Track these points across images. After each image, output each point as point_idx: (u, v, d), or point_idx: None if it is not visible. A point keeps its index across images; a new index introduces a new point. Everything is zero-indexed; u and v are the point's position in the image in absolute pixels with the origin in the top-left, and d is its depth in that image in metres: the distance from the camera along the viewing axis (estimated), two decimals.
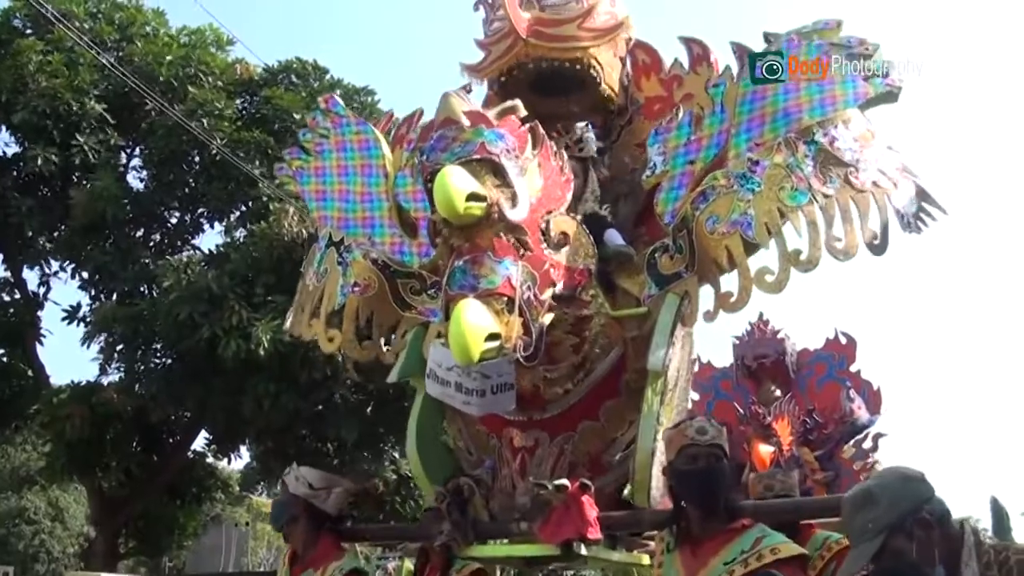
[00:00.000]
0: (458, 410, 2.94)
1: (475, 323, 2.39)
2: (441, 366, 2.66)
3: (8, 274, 11.34)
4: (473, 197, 2.49)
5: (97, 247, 10.78)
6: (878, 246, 2.80)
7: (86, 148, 10.60)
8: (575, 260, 2.86)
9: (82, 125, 10.70)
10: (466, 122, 2.68)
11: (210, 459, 12.54)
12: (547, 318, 2.72)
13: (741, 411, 6.41)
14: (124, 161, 11.69)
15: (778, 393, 6.58)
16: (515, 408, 2.84)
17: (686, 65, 3.44)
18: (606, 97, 3.51)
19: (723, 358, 7.25)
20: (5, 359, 11.24)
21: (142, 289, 10.83)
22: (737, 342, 6.94)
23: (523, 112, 2.87)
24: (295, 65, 11.93)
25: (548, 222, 2.79)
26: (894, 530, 1.82)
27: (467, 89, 3.66)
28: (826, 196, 2.83)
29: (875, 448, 6.15)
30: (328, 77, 11.93)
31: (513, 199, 2.62)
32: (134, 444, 10.97)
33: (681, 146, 3.06)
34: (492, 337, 2.43)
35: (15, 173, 10.84)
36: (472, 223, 2.55)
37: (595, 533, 2.62)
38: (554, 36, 3.32)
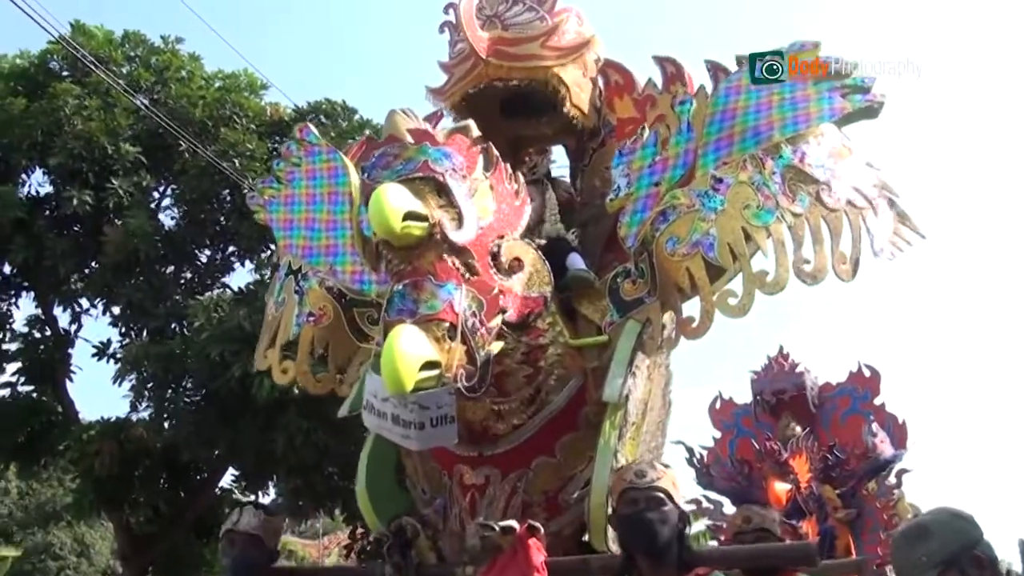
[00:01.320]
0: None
1: (408, 350, 2.24)
2: (377, 397, 2.49)
3: (39, 311, 11.52)
4: (411, 216, 2.36)
5: (129, 284, 10.90)
6: (849, 270, 2.60)
7: (121, 190, 10.78)
8: (529, 287, 2.69)
9: (116, 168, 10.91)
10: (410, 140, 2.57)
11: (237, 496, 12.48)
12: (495, 346, 2.56)
13: (759, 448, 6.13)
14: (157, 200, 11.87)
15: (799, 429, 6.29)
16: (465, 443, 2.69)
17: (660, 85, 3.31)
18: (575, 118, 3.37)
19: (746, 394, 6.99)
20: (35, 395, 11.36)
21: (173, 326, 10.90)
22: (755, 377, 6.69)
23: (476, 132, 2.74)
24: (324, 106, 11.98)
25: (500, 246, 2.63)
26: (949, 566, 1.73)
27: (439, 114, 3.58)
28: (795, 215, 2.65)
29: (899, 484, 5.83)
30: (357, 117, 11.95)
31: (458, 219, 2.49)
32: (162, 481, 10.97)
33: (646, 167, 2.90)
34: (429, 365, 2.29)
35: (47, 212, 11.07)
36: (413, 244, 2.42)
37: None
38: (516, 56, 3.20)
